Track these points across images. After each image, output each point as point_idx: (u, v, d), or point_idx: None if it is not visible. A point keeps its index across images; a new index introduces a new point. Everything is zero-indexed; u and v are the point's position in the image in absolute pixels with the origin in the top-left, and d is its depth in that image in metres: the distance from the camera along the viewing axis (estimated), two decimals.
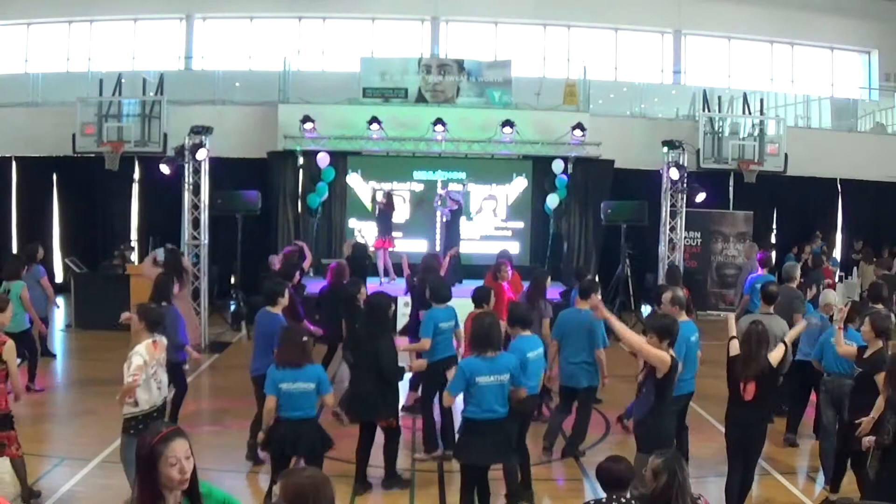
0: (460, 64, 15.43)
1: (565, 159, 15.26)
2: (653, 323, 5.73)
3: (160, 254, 13.27)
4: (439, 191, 15.04)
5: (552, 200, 15.42)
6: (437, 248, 14.80)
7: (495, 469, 5.74)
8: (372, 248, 13.31)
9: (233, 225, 13.77)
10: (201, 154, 12.60)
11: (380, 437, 6.39)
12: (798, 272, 8.98)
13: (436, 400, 6.93)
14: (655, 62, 18.84)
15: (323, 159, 15.02)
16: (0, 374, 5.74)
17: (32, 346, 8.82)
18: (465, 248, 14.49)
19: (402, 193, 15.66)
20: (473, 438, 5.39)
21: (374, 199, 14.53)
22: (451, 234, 13.89)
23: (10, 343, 5.79)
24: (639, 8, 18.25)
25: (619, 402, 8.12)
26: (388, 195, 14.19)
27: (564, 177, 15.39)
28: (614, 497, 3.93)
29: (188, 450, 2.95)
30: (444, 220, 14.14)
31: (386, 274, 13.80)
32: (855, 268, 15.39)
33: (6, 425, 5.82)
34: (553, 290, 13.37)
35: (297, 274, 9.16)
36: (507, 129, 14.38)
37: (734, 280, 14.82)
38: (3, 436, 5.82)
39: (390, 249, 13.76)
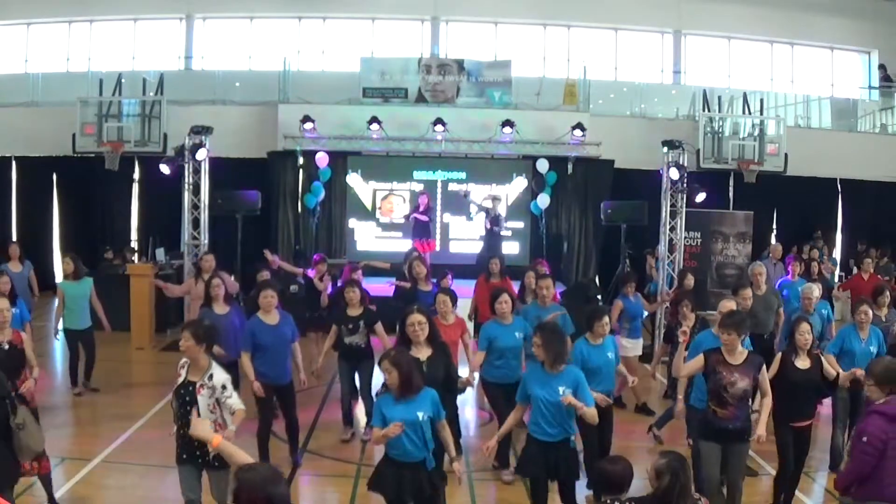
0: (460, 64, 15.42)
1: (565, 159, 15.25)
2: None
3: (160, 254, 13.33)
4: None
5: (542, 200, 15.38)
6: (437, 249, 14.85)
7: None
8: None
9: (233, 225, 13.76)
10: (201, 154, 12.60)
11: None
12: (761, 270, 8.79)
13: None
14: (655, 62, 18.83)
15: (322, 159, 15.00)
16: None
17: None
18: (465, 247, 14.52)
19: (402, 193, 15.68)
20: None
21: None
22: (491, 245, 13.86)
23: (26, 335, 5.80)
24: (639, 8, 18.23)
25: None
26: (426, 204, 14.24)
27: (553, 174, 15.32)
28: (609, 500, 3.89)
29: None
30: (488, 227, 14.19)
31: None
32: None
33: None
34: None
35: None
36: (507, 129, 14.38)
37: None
38: None
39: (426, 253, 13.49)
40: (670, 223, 13.75)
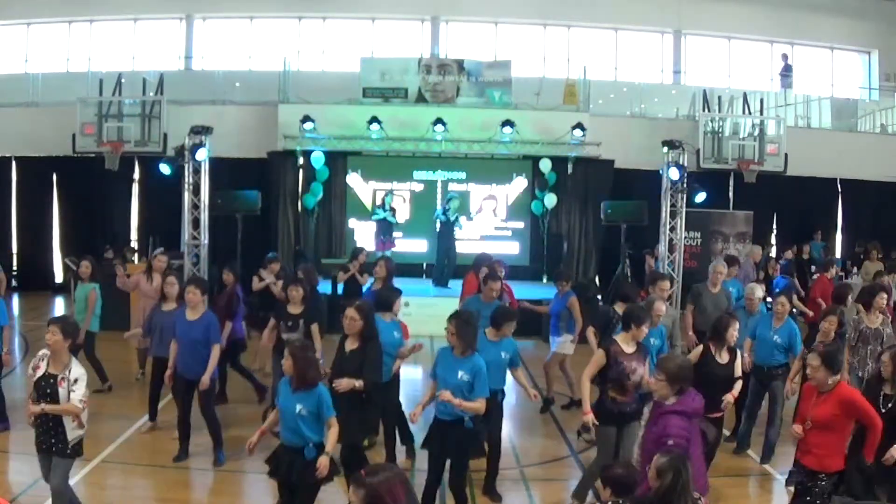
0: (460, 64, 15.41)
1: (565, 159, 15.25)
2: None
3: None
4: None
5: (549, 200, 15.38)
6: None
7: None
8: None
9: (233, 225, 13.77)
10: (201, 154, 12.61)
11: None
12: (723, 269, 8.61)
13: None
14: (655, 62, 18.83)
15: (317, 159, 14.98)
16: None
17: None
18: (465, 248, 14.52)
19: (403, 193, 15.68)
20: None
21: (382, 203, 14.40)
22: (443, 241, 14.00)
23: None
24: (639, 8, 18.24)
25: None
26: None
27: (553, 174, 15.32)
28: (620, 501, 3.93)
29: None
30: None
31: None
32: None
33: None
34: (553, 290, 13.44)
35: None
36: (507, 129, 14.37)
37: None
38: None
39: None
40: (670, 223, 13.76)
